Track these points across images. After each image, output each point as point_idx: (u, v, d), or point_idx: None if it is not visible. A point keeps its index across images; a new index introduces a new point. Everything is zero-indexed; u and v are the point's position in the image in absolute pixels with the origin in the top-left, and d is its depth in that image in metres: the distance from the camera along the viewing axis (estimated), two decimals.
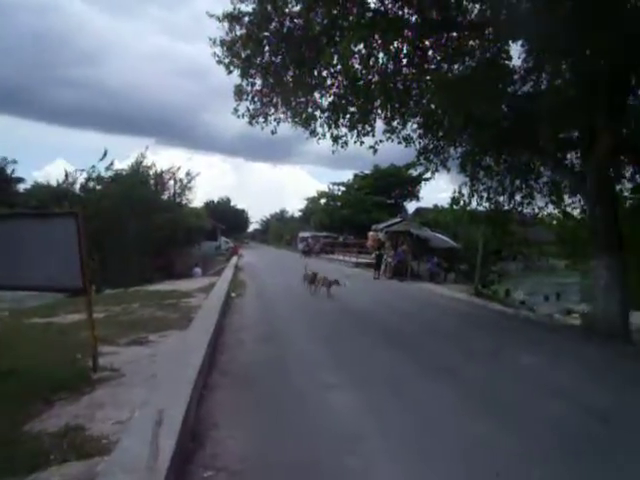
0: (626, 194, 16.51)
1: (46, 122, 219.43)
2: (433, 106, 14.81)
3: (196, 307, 13.38)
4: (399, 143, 16.24)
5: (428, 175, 24.38)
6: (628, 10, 11.03)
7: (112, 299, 16.50)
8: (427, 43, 14.04)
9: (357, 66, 13.78)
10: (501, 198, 17.56)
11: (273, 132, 15.62)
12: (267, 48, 14.02)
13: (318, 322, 13.08)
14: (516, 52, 14.71)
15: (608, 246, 13.03)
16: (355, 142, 15.24)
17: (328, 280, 18.44)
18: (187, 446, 4.67)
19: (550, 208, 17.67)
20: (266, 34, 13.75)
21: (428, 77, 14.17)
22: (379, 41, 13.30)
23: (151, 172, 33.55)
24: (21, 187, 58.68)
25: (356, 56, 13.35)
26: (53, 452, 4.42)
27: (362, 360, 8.98)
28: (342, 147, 15.42)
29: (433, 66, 14.26)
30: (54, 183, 33.33)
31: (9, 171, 62.18)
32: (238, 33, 13.96)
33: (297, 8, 13.46)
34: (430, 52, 14.21)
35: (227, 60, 14.29)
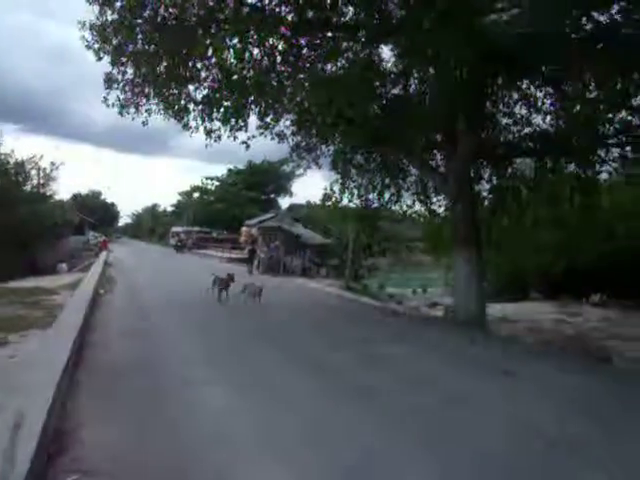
0: (484, 194, 17.63)
1: None
2: (307, 104, 15.07)
3: (61, 304, 12.76)
4: (272, 139, 16.40)
5: (300, 171, 24.77)
6: (482, 27, 11.80)
7: None
8: (302, 42, 14.20)
9: (232, 60, 13.71)
10: (371, 195, 18.18)
11: (144, 123, 15.22)
12: (140, 36, 13.52)
13: (187, 317, 12.93)
14: (388, 55, 15.29)
15: (467, 242, 13.88)
16: (229, 137, 15.17)
17: (256, 287, 16.21)
18: (49, 449, 4.49)
19: (417, 206, 18.55)
20: (139, 21, 13.25)
21: (302, 75, 14.36)
22: (254, 36, 13.30)
23: (11, 161, 31.56)
24: None
25: (231, 50, 13.27)
26: None
27: (231, 354, 9.03)
28: (215, 141, 15.29)
29: (308, 64, 14.46)
30: None
31: None
32: (109, 18, 13.38)
33: None
34: (305, 50, 14.38)
35: (97, 46, 13.72)
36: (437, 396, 6.95)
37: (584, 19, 12.16)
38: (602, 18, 12.27)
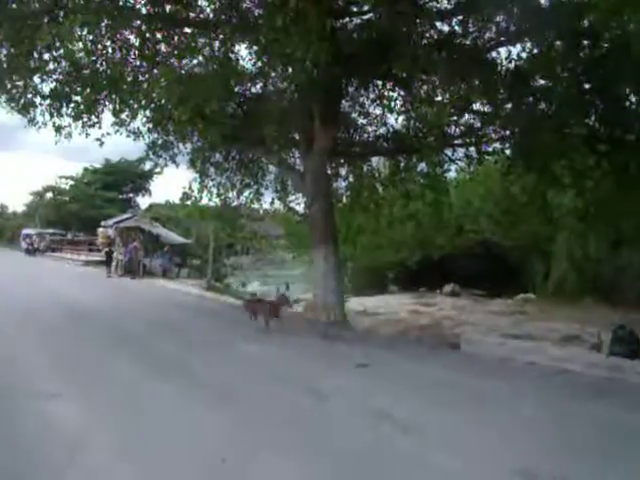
0: (341, 191, 18.16)
1: None
2: (163, 100, 14.75)
3: None
4: (128, 136, 15.86)
5: (158, 170, 24.20)
6: (335, 29, 12.16)
7: None
8: (158, 36, 13.87)
9: (82, 53, 13.12)
10: (230, 194, 18.14)
11: None
12: None
13: (40, 325, 12.24)
14: (245, 53, 15.29)
15: (324, 239, 14.22)
16: (80, 134, 14.53)
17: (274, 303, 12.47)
18: None
19: (277, 204, 18.76)
20: None
21: (157, 71, 14.02)
22: (107, 28, 12.80)
23: None
24: None
25: (80, 41, 12.67)
26: None
27: (86, 362, 8.71)
28: (66, 138, 14.56)
29: (164, 60, 14.14)
30: None
31: None
32: None
33: None
34: (162, 45, 14.07)
35: None
36: (293, 391, 7.13)
37: (429, 27, 12.99)
38: (445, 28, 13.18)
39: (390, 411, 6.26)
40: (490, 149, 15.74)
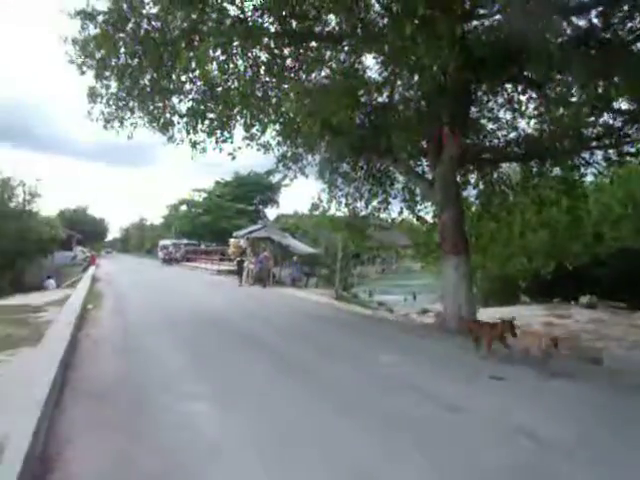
0: (471, 199, 17.70)
1: None
2: (291, 114, 15.08)
3: (48, 321, 12.64)
4: (258, 150, 16.38)
5: (287, 182, 24.78)
6: (464, 33, 11.85)
7: None
8: (286, 52, 14.23)
9: (215, 72, 13.70)
10: (359, 204, 18.25)
11: (129, 137, 15.16)
12: (123, 50, 13.48)
13: (178, 331, 12.82)
14: (372, 64, 15.33)
15: (455, 248, 13.88)
16: (214, 149, 15.17)
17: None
18: (36, 470, 4.41)
19: (405, 213, 18.58)
20: (122, 35, 13.24)
21: (286, 85, 14.37)
22: (238, 48, 13.30)
23: None
24: None
25: (214, 62, 13.26)
26: None
27: (223, 368, 8.97)
28: (201, 153, 15.29)
29: (292, 74, 14.48)
30: None
31: None
32: (92, 32, 13.39)
33: (155, 10, 13.14)
34: (289, 61, 14.41)
35: (80, 60, 13.69)
36: (426, 402, 6.94)
37: (564, 24, 12.29)
38: (581, 23, 12.41)
39: (531, 428, 5.94)
40: (633, 150, 14.71)
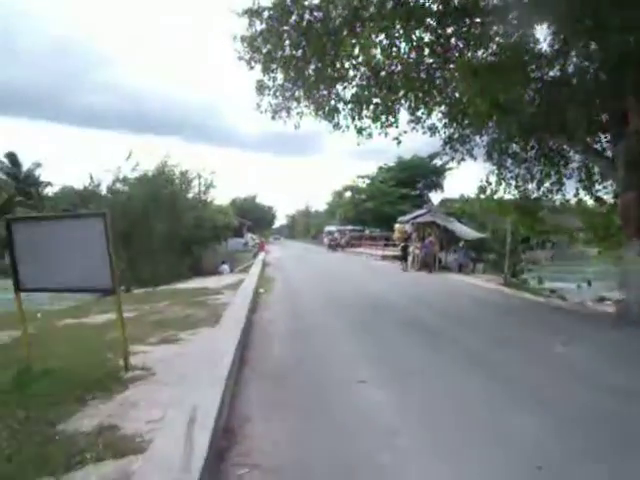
0: None
1: (75, 125, 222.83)
2: (457, 94, 14.62)
3: (225, 304, 13.38)
4: (424, 133, 16.11)
5: (453, 165, 24.10)
6: None
7: (141, 298, 16.60)
8: (449, 31, 13.80)
9: (379, 57, 13.64)
10: (530, 185, 17.37)
11: (296, 126, 15.56)
12: (287, 42, 13.91)
13: (346, 315, 12.98)
14: (542, 36, 14.43)
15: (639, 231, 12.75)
16: (380, 133, 15.11)
17: None
18: (220, 443, 4.63)
19: (581, 194, 17.36)
20: (286, 28, 13.65)
21: (452, 65, 13.94)
22: (400, 31, 13.12)
23: (176, 171, 33.69)
24: (50, 191, 60.18)
25: (377, 47, 13.19)
26: (88, 451, 4.41)
27: (392, 352, 8.92)
28: (366, 139, 15.30)
29: (456, 53, 14.03)
30: (81, 186, 33.71)
31: (37, 175, 63.91)
32: (258, 28, 13.91)
33: (316, 1, 13.36)
34: (453, 40, 13.98)
35: (248, 56, 14.26)
36: (609, 396, 6.40)
37: None
38: None
39: None
40: None
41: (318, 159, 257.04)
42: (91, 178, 31.94)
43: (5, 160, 64.36)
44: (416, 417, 5.71)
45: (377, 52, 13.44)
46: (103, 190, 31.75)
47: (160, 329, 10.12)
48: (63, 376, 6.57)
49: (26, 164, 64.89)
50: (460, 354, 8.92)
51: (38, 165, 65.02)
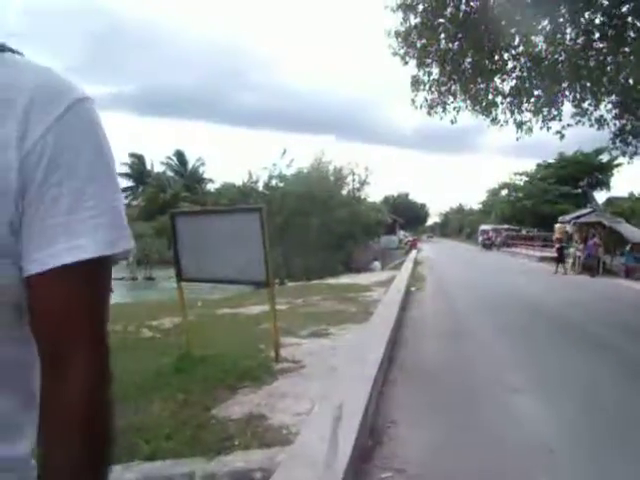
0: None
1: (232, 125, 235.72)
2: (632, 81, 13.44)
3: (375, 301, 13.33)
4: (590, 126, 14.96)
5: (623, 160, 22.29)
6: None
7: (294, 291, 17.03)
8: (624, 9, 12.69)
9: (541, 45, 12.92)
10: None
11: (452, 122, 15.16)
12: (443, 35, 13.57)
13: (500, 319, 12.40)
14: None
15: None
16: (541, 128, 14.33)
17: None
18: (365, 443, 4.52)
19: None
20: (441, 21, 13.30)
21: (626, 48, 12.81)
22: (566, 15, 12.31)
23: (330, 168, 34.32)
24: (212, 187, 64.03)
25: (540, 34, 12.49)
26: (237, 438, 4.58)
27: (549, 361, 8.32)
28: (526, 133, 14.58)
29: (632, 34, 12.83)
30: (240, 182, 35.39)
31: (200, 172, 68.47)
32: (412, 22, 13.66)
33: None
34: (629, 18, 12.83)
35: (402, 51, 14.06)
36: None
37: None
38: None
39: None
40: None
41: (471, 156, 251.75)
42: (249, 175, 33.43)
43: (174, 158, 69.43)
44: (576, 436, 5.22)
45: (539, 40, 12.73)
46: (260, 186, 33.11)
47: (311, 322, 10.30)
48: (218, 363, 6.88)
49: (190, 162, 69.63)
50: (628, 369, 8.13)
51: (202, 163, 69.47)
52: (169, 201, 52.04)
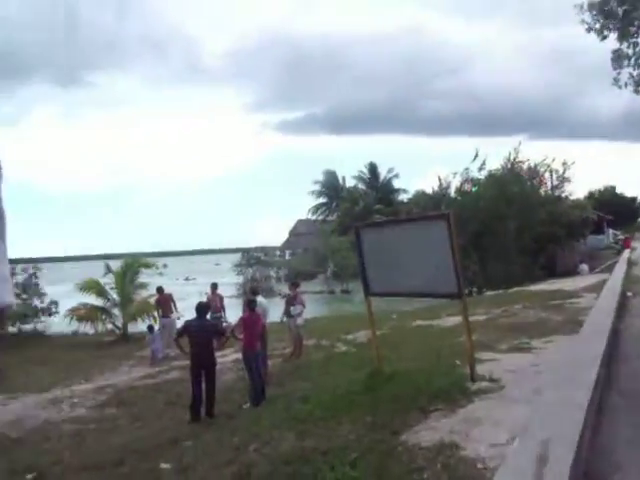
0: None
1: (420, 134, 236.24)
2: None
3: (585, 309, 12.05)
4: None
5: None
6: None
7: (492, 301, 16.21)
8: None
9: None
10: None
11: None
12: None
13: None
14: None
15: None
16: None
17: None
18: None
19: None
20: None
21: None
22: None
23: (524, 167, 32.66)
24: (405, 197, 64.49)
25: None
26: (427, 470, 4.17)
27: None
28: None
29: None
30: (430, 190, 34.94)
31: (393, 183, 69.54)
32: None
33: None
34: None
35: (598, 25, 12.70)
36: None
37: None
38: None
39: None
40: None
41: None
42: (440, 181, 32.88)
43: (366, 171, 71.02)
44: None
45: None
46: (452, 192, 32.47)
47: (511, 335, 9.54)
48: (409, 381, 6.57)
49: (382, 174, 70.90)
50: None
51: (395, 175, 70.27)
52: (362, 214, 52.96)
